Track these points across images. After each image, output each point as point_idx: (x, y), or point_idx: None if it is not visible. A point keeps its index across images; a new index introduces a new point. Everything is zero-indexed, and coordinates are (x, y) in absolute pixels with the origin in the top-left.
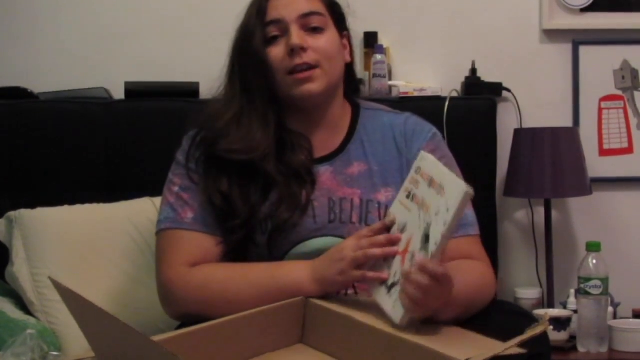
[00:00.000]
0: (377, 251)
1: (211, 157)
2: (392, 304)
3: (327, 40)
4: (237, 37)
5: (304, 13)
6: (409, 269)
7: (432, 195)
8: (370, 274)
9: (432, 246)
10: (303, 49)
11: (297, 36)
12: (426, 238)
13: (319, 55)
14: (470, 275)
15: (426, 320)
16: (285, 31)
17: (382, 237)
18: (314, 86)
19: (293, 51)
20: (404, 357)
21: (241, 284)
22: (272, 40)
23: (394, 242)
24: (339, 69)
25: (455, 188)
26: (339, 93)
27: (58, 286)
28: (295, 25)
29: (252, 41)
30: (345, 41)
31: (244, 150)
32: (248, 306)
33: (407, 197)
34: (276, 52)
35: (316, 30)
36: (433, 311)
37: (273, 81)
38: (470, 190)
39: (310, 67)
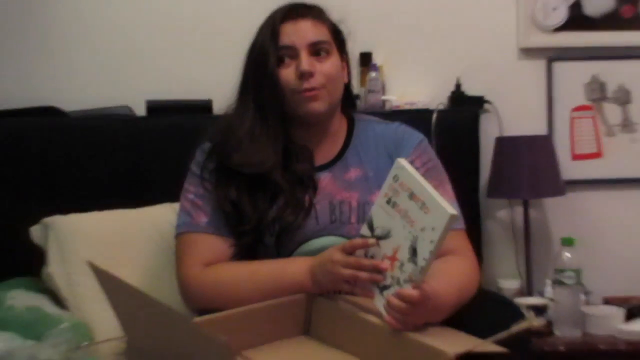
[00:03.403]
0: (364, 276)
1: (222, 168)
2: (383, 304)
3: (332, 64)
4: (251, 57)
5: (313, 42)
6: (390, 295)
7: (415, 209)
8: (358, 291)
9: (422, 261)
10: (311, 74)
11: (306, 62)
12: (414, 251)
13: (324, 78)
14: (454, 277)
15: None
16: (295, 55)
17: (368, 263)
18: (319, 105)
19: (303, 76)
20: (399, 350)
21: (249, 284)
22: (283, 62)
23: (378, 270)
24: (339, 89)
25: (440, 210)
26: (337, 109)
27: (95, 269)
28: (305, 52)
29: (267, 63)
30: (344, 63)
31: (256, 164)
32: (256, 302)
33: (387, 202)
34: (286, 73)
35: (322, 55)
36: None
37: (282, 99)
38: (454, 212)
39: (316, 88)
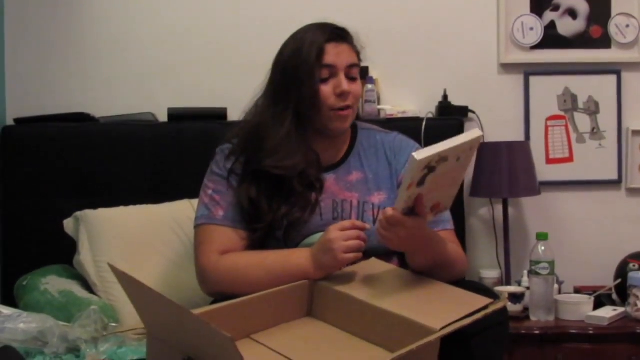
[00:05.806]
0: (360, 234)
1: (245, 169)
2: None
3: (358, 86)
4: (292, 71)
5: (350, 64)
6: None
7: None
8: (361, 255)
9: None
10: (349, 93)
11: (345, 83)
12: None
13: (354, 98)
14: (448, 243)
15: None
16: (334, 74)
17: (360, 224)
18: (347, 123)
19: (342, 94)
20: (388, 326)
21: (259, 271)
22: (323, 80)
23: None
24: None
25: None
26: None
27: (115, 270)
28: (343, 73)
29: (311, 78)
30: None
31: (287, 168)
32: (265, 287)
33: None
34: (326, 90)
35: (353, 78)
36: (400, 247)
37: (320, 112)
38: (418, 157)
39: (349, 107)
